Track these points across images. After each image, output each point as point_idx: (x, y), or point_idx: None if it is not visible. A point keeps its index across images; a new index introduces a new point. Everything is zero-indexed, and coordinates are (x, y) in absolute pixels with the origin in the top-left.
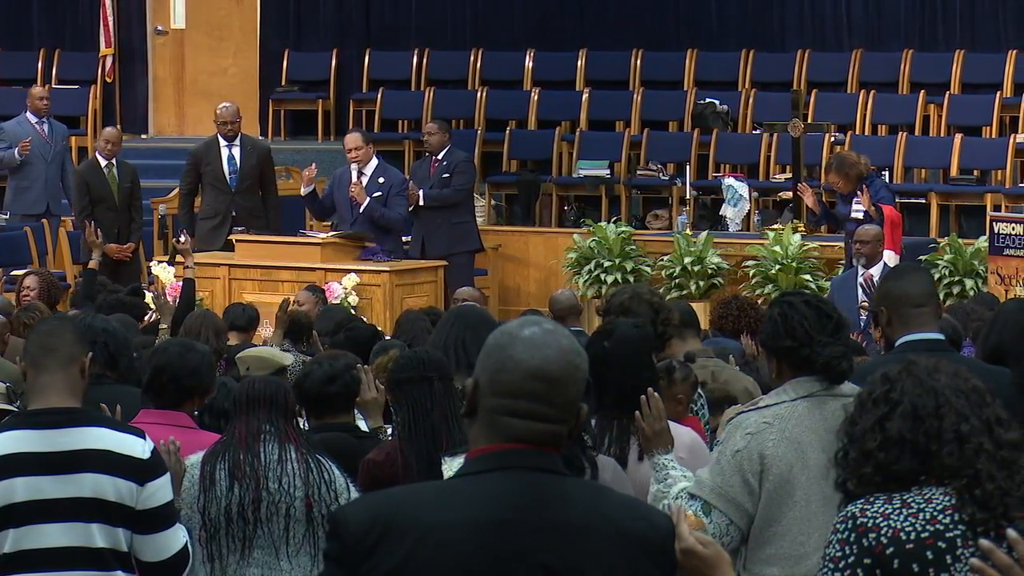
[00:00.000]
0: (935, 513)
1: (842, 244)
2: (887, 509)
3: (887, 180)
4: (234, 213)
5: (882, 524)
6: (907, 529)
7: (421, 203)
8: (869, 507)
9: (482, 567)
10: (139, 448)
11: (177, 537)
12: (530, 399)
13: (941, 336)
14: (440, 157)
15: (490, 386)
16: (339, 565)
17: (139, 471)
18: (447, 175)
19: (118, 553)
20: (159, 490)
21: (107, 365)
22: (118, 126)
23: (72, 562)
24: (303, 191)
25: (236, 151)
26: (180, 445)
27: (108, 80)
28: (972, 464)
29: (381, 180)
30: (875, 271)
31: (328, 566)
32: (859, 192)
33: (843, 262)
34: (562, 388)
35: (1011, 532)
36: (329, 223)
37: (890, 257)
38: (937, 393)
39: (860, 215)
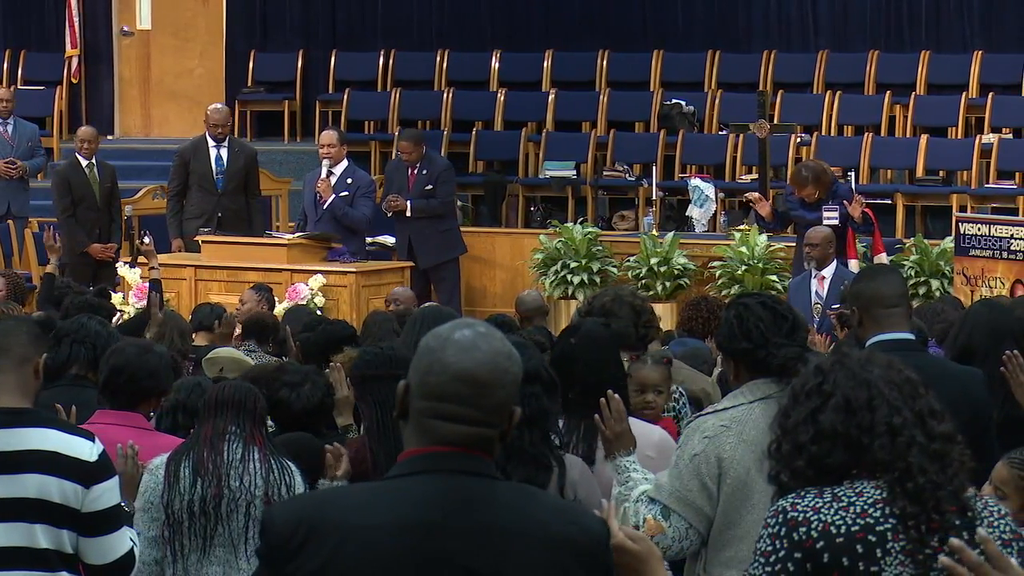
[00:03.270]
0: (866, 507)
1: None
2: (818, 503)
3: (853, 180)
4: (220, 214)
5: (812, 518)
6: (837, 523)
7: (408, 214)
8: (800, 501)
9: (405, 570)
10: (86, 450)
11: (123, 540)
12: (456, 402)
13: (912, 336)
14: (419, 167)
15: (419, 388)
16: (267, 565)
17: (85, 473)
18: (430, 186)
19: (63, 554)
20: (105, 493)
21: (90, 367)
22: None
23: (15, 562)
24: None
25: (224, 152)
26: (139, 449)
27: (74, 81)
28: (904, 457)
29: (349, 181)
30: (827, 273)
31: (259, 565)
32: (845, 202)
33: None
34: (490, 391)
35: (954, 541)
36: (293, 223)
37: (882, 258)
38: (870, 385)
39: (835, 222)
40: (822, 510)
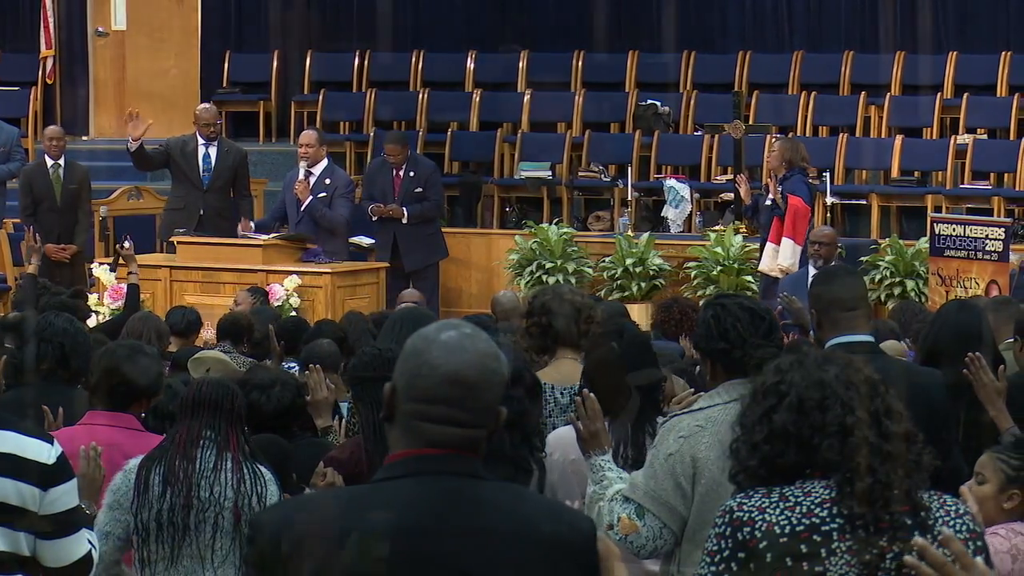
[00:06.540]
0: (812, 506)
1: None
2: (764, 503)
3: (828, 181)
4: (202, 211)
5: (757, 518)
6: (782, 523)
7: (404, 221)
8: (747, 501)
9: (399, 573)
10: (45, 453)
11: (80, 543)
12: (446, 404)
13: (870, 338)
14: (405, 169)
15: (407, 391)
16: (257, 570)
17: (43, 476)
18: (419, 188)
19: (19, 557)
20: (63, 496)
21: (59, 363)
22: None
23: None
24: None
25: (213, 150)
26: (101, 451)
27: (49, 82)
28: (853, 458)
29: (327, 181)
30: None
31: (247, 570)
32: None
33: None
34: (479, 393)
35: (918, 540)
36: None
37: (786, 245)
38: (824, 385)
39: (770, 203)
40: (767, 510)
